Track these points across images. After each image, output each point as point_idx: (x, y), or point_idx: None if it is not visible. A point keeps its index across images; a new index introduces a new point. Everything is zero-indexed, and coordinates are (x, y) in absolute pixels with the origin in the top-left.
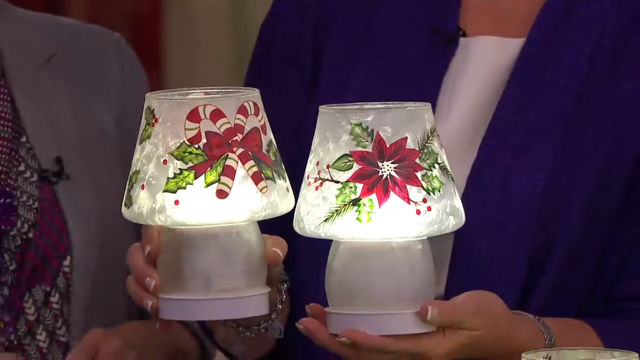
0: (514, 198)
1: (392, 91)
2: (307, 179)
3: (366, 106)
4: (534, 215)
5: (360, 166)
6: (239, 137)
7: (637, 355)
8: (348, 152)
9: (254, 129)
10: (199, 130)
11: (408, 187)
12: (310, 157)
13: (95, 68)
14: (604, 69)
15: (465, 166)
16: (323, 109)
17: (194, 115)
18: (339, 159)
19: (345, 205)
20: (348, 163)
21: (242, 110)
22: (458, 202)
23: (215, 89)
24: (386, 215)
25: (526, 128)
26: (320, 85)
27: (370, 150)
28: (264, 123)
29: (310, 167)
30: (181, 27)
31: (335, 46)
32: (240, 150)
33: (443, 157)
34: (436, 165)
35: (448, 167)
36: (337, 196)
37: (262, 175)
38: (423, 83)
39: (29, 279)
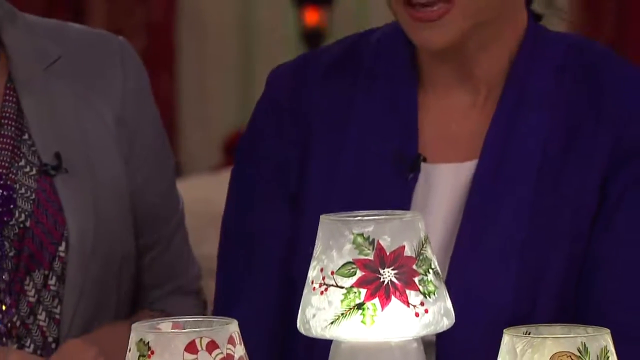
0: (485, 311)
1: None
2: (312, 284)
3: (366, 217)
4: (506, 324)
5: (363, 273)
6: None
7: (608, 331)
8: (351, 260)
9: (241, 358)
10: None
11: (407, 291)
12: (314, 263)
13: (98, 70)
14: (551, 177)
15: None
16: (325, 219)
17: (191, 347)
18: (343, 266)
19: (351, 309)
20: (352, 270)
21: (231, 340)
22: (449, 304)
23: (183, 318)
24: (388, 318)
25: (487, 249)
26: (306, 206)
27: (372, 258)
28: (244, 352)
29: (314, 273)
30: (192, 35)
31: (313, 169)
32: None
33: (435, 263)
34: (430, 271)
35: (439, 271)
36: (342, 301)
37: None
38: (393, 205)
39: (27, 264)
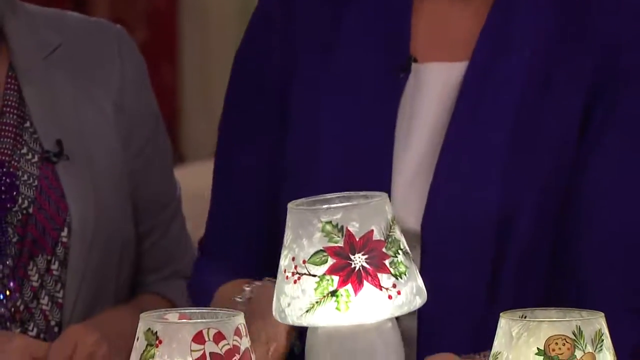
0: (472, 214)
1: (356, 118)
2: (284, 272)
3: (333, 205)
4: (491, 228)
5: (335, 260)
6: (237, 357)
7: (603, 314)
8: (322, 248)
9: (246, 349)
10: (204, 351)
11: (379, 275)
12: (285, 252)
13: (97, 58)
14: (538, 84)
15: (426, 186)
16: (293, 208)
17: (199, 338)
18: (314, 254)
19: (325, 296)
20: (323, 258)
21: (237, 332)
22: (421, 282)
23: (190, 309)
24: (362, 303)
25: (475, 148)
26: (293, 110)
27: (342, 245)
28: (250, 344)
29: (286, 262)
30: (194, 25)
31: (302, 70)
32: None
33: (404, 243)
34: (400, 252)
35: (409, 251)
36: (315, 289)
37: None
38: (381, 109)
39: (31, 249)
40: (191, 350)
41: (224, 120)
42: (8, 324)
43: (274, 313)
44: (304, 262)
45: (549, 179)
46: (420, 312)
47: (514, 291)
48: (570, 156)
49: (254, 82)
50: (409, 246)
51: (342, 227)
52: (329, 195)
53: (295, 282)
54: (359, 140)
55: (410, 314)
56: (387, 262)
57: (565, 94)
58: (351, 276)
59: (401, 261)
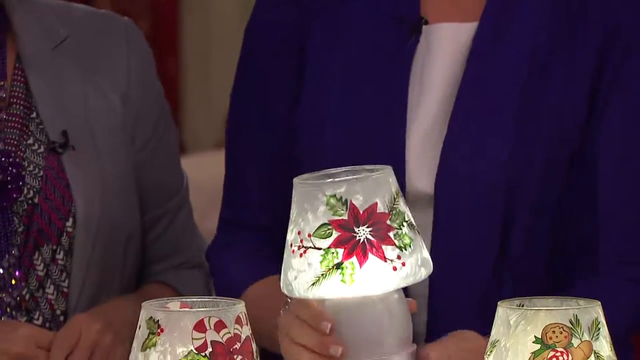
0: (483, 172)
1: (367, 81)
2: (290, 247)
3: (337, 178)
4: (502, 185)
5: (339, 233)
6: (237, 345)
7: (599, 303)
8: (327, 221)
9: (247, 337)
10: (205, 339)
11: (383, 247)
12: (291, 227)
13: (104, 49)
14: (547, 44)
15: (438, 148)
16: (298, 183)
17: (200, 326)
18: (319, 227)
19: (330, 269)
20: (328, 231)
21: (238, 320)
22: (426, 253)
23: (191, 298)
24: (367, 275)
25: (485, 108)
26: (305, 74)
27: (346, 218)
28: (250, 332)
29: (292, 236)
30: (197, 17)
31: (315, 37)
32: (240, 357)
33: (409, 215)
34: (404, 224)
35: (413, 222)
36: (321, 262)
37: None
38: (393, 71)
39: (36, 239)
40: (192, 339)
41: (238, 86)
42: (14, 312)
43: (281, 286)
44: (309, 235)
45: (557, 139)
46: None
47: (523, 247)
48: (579, 117)
49: (270, 44)
50: (422, 209)
51: (346, 200)
52: (334, 170)
53: (301, 255)
54: (370, 105)
55: None
56: (391, 234)
57: (574, 54)
58: (356, 249)
59: (405, 233)
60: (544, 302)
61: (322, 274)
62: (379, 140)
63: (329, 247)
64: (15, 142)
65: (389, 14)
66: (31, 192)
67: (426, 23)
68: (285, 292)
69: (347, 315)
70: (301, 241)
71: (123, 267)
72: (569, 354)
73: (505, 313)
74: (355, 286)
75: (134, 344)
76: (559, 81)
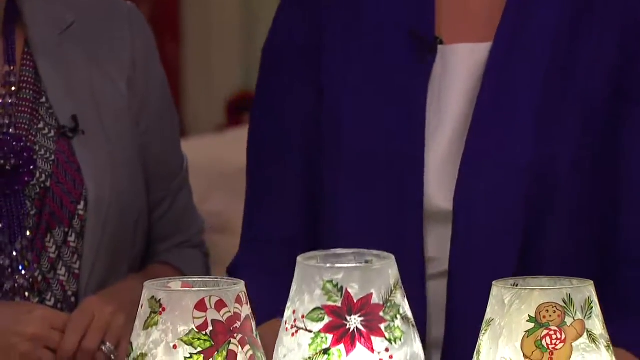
0: (501, 179)
1: (383, 102)
2: (286, 324)
3: (337, 265)
4: (522, 195)
5: (331, 319)
6: (237, 324)
7: (592, 282)
8: (320, 306)
9: (247, 317)
10: (206, 318)
11: (372, 338)
12: (288, 304)
13: (109, 34)
14: (564, 50)
15: (458, 159)
16: (300, 262)
17: (201, 305)
18: (312, 310)
19: (317, 353)
20: (320, 315)
21: (238, 300)
22: (418, 347)
23: (192, 278)
24: None
25: (504, 118)
26: (322, 85)
27: (339, 305)
28: (250, 311)
29: (288, 314)
30: (197, 2)
31: (330, 51)
32: (240, 336)
33: (405, 308)
34: (398, 316)
35: (409, 316)
36: (310, 345)
37: (255, 357)
38: (410, 92)
39: (48, 222)
40: (193, 318)
41: (259, 102)
42: (27, 294)
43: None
44: (303, 317)
45: (579, 141)
46: (451, 280)
47: (544, 261)
48: (602, 115)
49: (289, 61)
50: (441, 224)
51: (341, 287)
52: (341, 251)
53: (293, 335)
54: (388, 124)
55: (440, 279)
56: (382, 326)
57: (592, 53)
58: (345, 336)
59: (398, 326)
60: (538, 281)
61: (310, 357)
62: (398, 156)
63: (319, 331)
64: (26, 127)
65: (403, 32)
66: (43, 175)
67: (441, 43)
68: None
69: None
70: (295, 321)
71: (132, 248)
72: (563, 333)
73: (499, 292)
74: None
75: (136, 323)
76: (582, 73)
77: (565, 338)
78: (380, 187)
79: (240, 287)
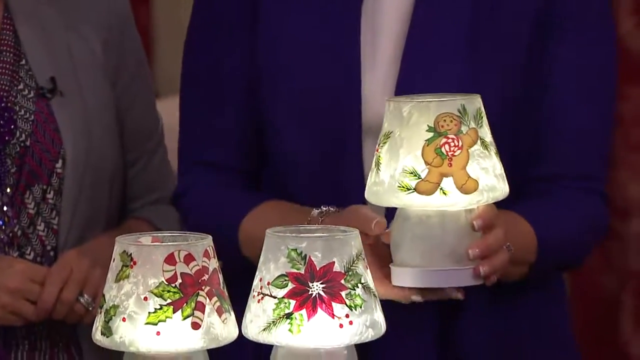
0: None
1: (320, 19)
2: (253, 291)
3: (301, 235)
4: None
5: (294, 285)
6: (205, 277)
7: (479, 96)
8: (285, 273)
9: (214, 270)
10: (175, 271)
11: (333, 304)
12: (257, 273)
13: None
14: None
15: (396, 68)
16: (268, 233)
17: (170, 259)
18: (277, 277)
19: (280, 317)
20: (284, 282)
21: (206, 254)
22: (378, 315)
23: (162, 233)
24: (314, 328)
25: (437, 37)
26: (260, 24)
27: (302, 272)
28: (217, 265)
29: (255, 282)
30: None
31: None
32: (207, 288)
33: (367, 278)
34: (359, 285)
35: (372, 286)
36: (274, 310)
37: (223, 308)
38: (344, 12)
39: (28, 179)
40: (163, 271)
41: (194, 26)
42: (7, 248)
43: (242, 327)
44: (268, 283)
45: (508, 68)
46: None
47: None
48: (524, 41)
49: None
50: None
51: (305, 255)
52: (310, 227)
53: (259, 301)
54: (326, 47)
55: None
56: (343, 293)
57: None
58: (307, 302)
59: (359, 294)
60: (435, 96)
61: (273, 321)
62: (336, 81)
63: (283, 297)
64: (7, 88)
65: None
66: (23, 135)
67: None
68: (243, 333)
69: None
70: (261, 287)
71: (109, 204)
72: (459, 140)
73: (397, 106)
74: (301, 337)
75: (109, 276)
76: (507, 10)
77: (462, 145)
78: (321, 112)
79: (208, 241)
